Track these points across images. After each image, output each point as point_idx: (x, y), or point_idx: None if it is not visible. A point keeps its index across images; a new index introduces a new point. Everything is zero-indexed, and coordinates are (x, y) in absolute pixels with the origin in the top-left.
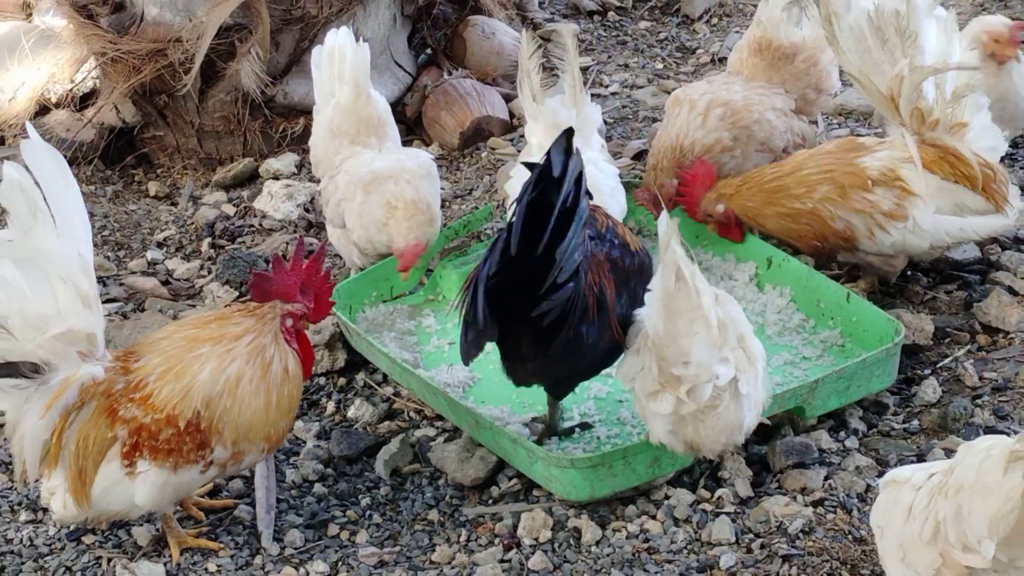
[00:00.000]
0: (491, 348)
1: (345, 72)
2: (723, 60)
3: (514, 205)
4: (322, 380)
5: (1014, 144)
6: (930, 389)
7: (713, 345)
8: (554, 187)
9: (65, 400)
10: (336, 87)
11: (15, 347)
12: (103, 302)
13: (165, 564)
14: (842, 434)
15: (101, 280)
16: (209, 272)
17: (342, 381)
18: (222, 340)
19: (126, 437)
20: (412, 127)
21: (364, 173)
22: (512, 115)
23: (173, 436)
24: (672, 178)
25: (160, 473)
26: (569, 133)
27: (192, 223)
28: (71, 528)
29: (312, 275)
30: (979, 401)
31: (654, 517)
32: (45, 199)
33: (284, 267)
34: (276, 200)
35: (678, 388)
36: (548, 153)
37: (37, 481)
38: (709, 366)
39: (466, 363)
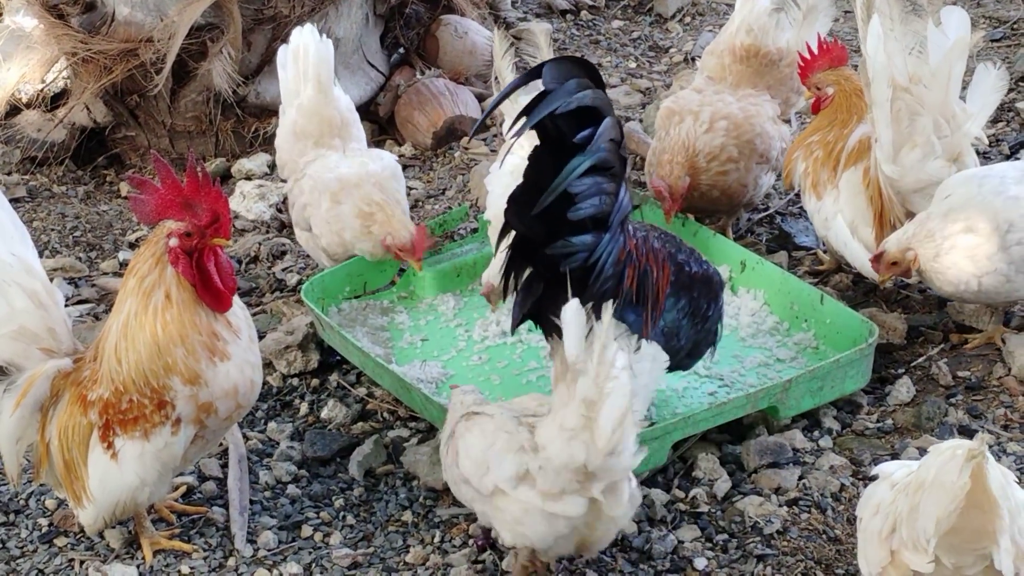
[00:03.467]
0: (465, 344)
1: (309, 70)
2: (696, 59)
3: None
4: (295, 381)
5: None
6: (904, 388)
7: (634, 436)
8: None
9: (35, 395)
10: (300, 86)
11: None
12: (75, 303)
13: (138, 566)
14: (816, 433)
15: (72, 281)
16: None
17: (315, 382)
18: (125, 283)
19: (98, 420)
20: (385, 127)
21: (330, 180)
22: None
23: (131, 401)
24: (686, 175)
25: (135, 445)
26: (582, 62)
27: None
28: (43, 531)
29: (193, 189)
30: (953, 400)
31: None
32: None
33: (154, 186)
34: (248, 200)
35: (591, 488)
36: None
37: (29, 483)
38: (630, 458)
39: (513, 330)
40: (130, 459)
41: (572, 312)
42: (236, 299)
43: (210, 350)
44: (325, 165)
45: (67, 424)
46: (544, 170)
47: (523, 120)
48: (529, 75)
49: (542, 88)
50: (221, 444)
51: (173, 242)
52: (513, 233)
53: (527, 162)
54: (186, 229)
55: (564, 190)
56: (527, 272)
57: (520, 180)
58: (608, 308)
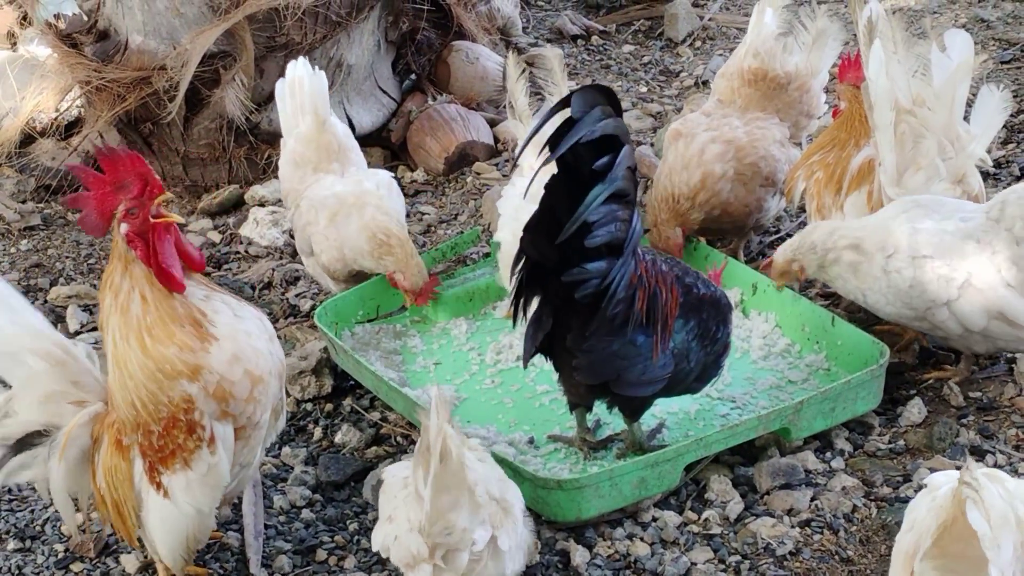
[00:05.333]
0: (478, 367)
1: (306, 102)
2: (707, 83)
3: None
4: (309, 406)
5: (997, 164)
6: (915, 409)
7: (474, 512)
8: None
9: (78, 445)
10: (299, 118)
11: (14, 424)
12: (90, 330)
13: None
14: (828, 454)
15: (87, 308)
16: None
17: (329, 407)
18: (102, 303)
19: (143, 464)
20: (397, 153)
21: (326, 196)
22: (497, 140)
23: (161, 436)
24: (676, 227)
25: (179, 477)
26: (605, 90)
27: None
28: (59, 557)
29: (111, 167)
30: (964, 421)
31: (641, 539)
32: None
33: (85, 193)
34: (262, 227)
35: (434, 556)
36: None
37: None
38: (469, 532)
39: (525, 364)
40: (179, 492)
41: (437, 395)
42: (204, 281)
43: (199, 337)
44: (322, 185)
45: (110, 466)
46: (560, 198)
47: (547, 148)
48: (559, 105)
49: (569, 116)
50: None
51: (123, 228)
52: (524, 260)
53: (543, 191)
54: (128, 207)
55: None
56: (538, 301)
57: (533, 204)
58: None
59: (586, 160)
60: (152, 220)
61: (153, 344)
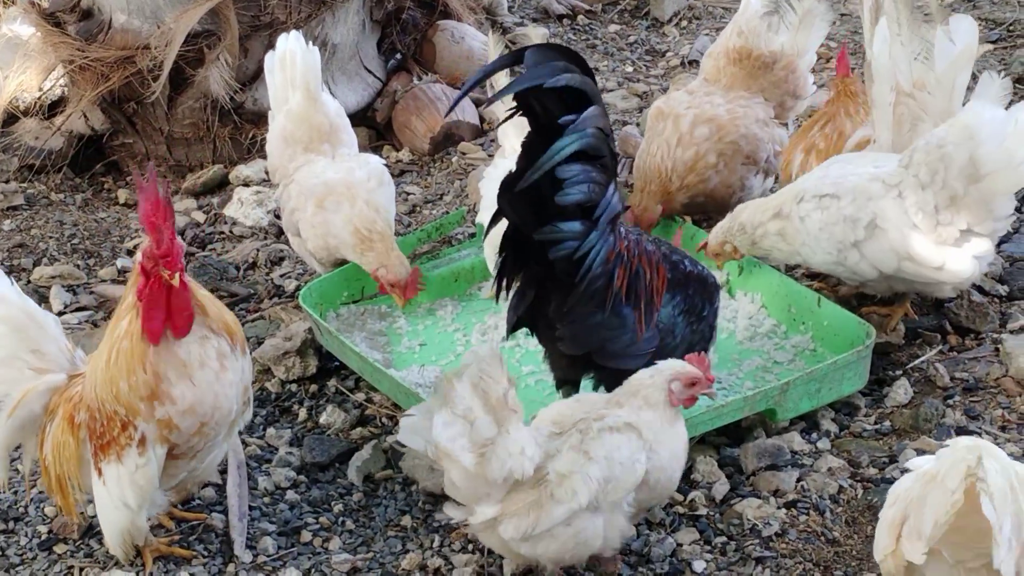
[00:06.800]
0: (463, 348)
1: (296, 77)
2: (693, 63)
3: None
4: (294, 387)
5: None
6: (901, 390)
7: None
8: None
9: (29, 410)
10: (289, 93)
11: None
12: (74, 310)
13: (138, 573)
14: (814, 436)
15: (71, 288)
16: None
17: (314, 388)
18: (124, 299)
19: (90, 447)
20: (382, 132)
21: (316, 184)
22: (482, 120)
23: (103, 424)
24: (658, 204)
25: (112, 468)
26: (564, 50)
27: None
28: (43, 538)
29: (149, 210)
30: (950, 402)
31: None
32: None
33: (143, 194)
34: (246, 207)
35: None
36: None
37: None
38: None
39: (508, 334)
40: (112, 483)
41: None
42: (206, 326)
43: (150, 391)
44: (312, 171)
45: (59, 441)
46: (536, 156)
47: (507, 88)
48: (511, 57)
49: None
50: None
51: (137, 257)
52: (503, 222)
53: (520, 150)
54: (148, 251)
55: (553, 175)
56: (521, 272)
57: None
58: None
59: (555, 114)
60: (159, 273)
61: (114, 366)
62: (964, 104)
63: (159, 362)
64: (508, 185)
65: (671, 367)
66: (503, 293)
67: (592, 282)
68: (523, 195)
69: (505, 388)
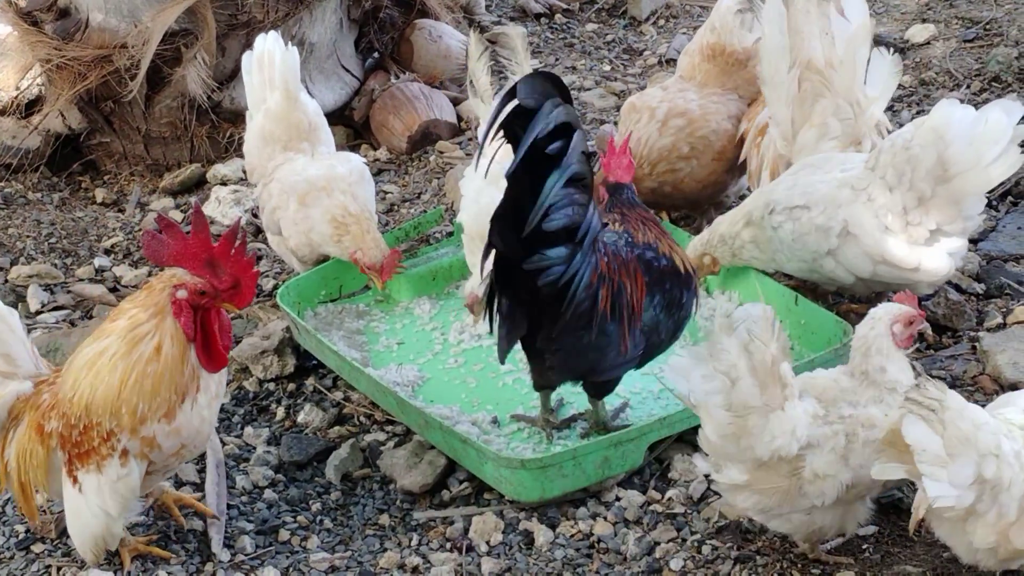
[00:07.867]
0: (441, 347)
1: (275, 77)
2: (670, 62)
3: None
4: (271, 386)
5: None
6: None
7: None
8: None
9: None
10: (267, 92)
11: None
12: (51, 309)
13: (115, 572)
14: None
15: (48, 287)
16: None
17: (291, 387)
18: (113, 321)
19: (63, 455)
20: (360, 131)
21: (297, 182)
22: (460, 118)
23: (80, 433)
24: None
25: (91, 478)
26: (551, 77)
27: (139, 230)
28: (20, 537)
29: (224, 252)
30: None
31: (605, 519)
32: None
33: (181, 233)
34: (224, 206)
35: None
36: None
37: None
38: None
39: (502, 360)
40: (91, 492)
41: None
42: None
43: (168, 406)
44: (293, 168)
45: (25, 448)
46: (523, 188)
47: (504, 137)
48: (507, 96)
49: (519, 102)
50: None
51: (182, 294)
52: (494, 252)
53: (507, 181)
54: (202, 287)
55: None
56: (509, 300)
57: (493, 186)
58: None
59: (541, 149)
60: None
61: (133, 386)
62: (864, 81)
63: (188, 384)
64: (499, 218)
65: (887, 312)
66: (494, 320)
67: (578, 307)
68: (512, 225)
69: (774, 355)
